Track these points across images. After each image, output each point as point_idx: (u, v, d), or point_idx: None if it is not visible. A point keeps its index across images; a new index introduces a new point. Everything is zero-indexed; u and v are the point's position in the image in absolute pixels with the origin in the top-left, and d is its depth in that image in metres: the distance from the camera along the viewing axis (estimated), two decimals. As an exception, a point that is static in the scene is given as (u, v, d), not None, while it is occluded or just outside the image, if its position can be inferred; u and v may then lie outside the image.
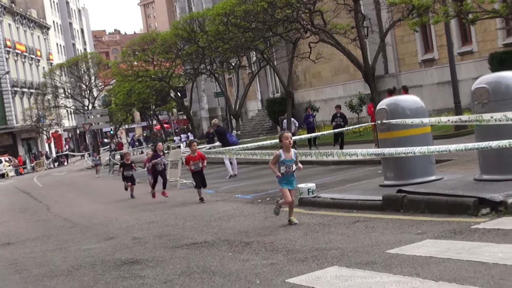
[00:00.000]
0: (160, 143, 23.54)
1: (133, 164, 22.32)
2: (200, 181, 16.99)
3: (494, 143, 8.97)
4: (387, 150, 11.14)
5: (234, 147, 18.93)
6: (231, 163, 23.91)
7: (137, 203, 19.20)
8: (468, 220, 8.60)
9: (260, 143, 16.67)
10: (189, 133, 74.62)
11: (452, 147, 9.73)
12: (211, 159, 23.91)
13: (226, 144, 22.84)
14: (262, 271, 7.56)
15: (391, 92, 25.97)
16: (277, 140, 11.35)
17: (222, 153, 19.01)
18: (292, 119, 30.09)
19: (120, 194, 22.49)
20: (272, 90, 54.16)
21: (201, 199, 16.60)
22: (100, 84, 73.68)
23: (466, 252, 6.96)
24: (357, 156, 12.22)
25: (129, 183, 21.80)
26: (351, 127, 21.63)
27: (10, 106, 76.67)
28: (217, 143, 25.44)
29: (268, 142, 16.72)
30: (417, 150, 10.24)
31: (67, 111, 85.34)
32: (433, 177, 11.76)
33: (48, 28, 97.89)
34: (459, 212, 9.20)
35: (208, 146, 26.79)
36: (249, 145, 17.19)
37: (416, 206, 10.06)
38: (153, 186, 19.72)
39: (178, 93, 58.05)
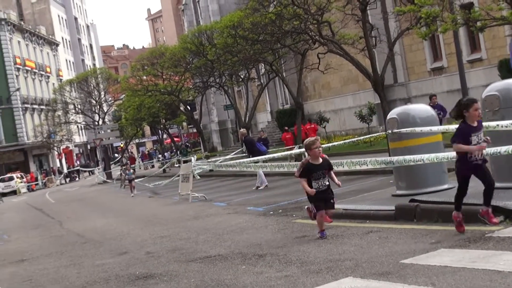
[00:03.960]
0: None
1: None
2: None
3: (503, 149, 8.91)
4: (395, 158, 11.11)
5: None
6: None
7: (149, 217, 19.16)
8: (482, 229, 8.55)
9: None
10: (166, 153, 74.71)
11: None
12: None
13: (257, 153, 22.32)
14: (276, 284, 7.54)
15: (309, 121, 29.67)
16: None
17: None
18: (440, 103, 22.66)
19: (132, 208, 22.39)
20: (282, 101, 54.15)
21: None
22: (110, 99, 74.00)
23: (481, 261, 6.92)
24: (366, 165, 12.19)
25: (323, 209, 10.18)
26: (361, 138, 21.57)
27: (21, 123, 77.16)
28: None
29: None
30: (426, 157, 10.21)
31: (77, 126, 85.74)
32: (445, 186, 11.69)
33: (57, 45, 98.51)
34: (473, 221, 9.14)
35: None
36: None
37: (430, 215, 10.02)
38: (457, 205, 8.70)
39: (188, 107, 58.22)
